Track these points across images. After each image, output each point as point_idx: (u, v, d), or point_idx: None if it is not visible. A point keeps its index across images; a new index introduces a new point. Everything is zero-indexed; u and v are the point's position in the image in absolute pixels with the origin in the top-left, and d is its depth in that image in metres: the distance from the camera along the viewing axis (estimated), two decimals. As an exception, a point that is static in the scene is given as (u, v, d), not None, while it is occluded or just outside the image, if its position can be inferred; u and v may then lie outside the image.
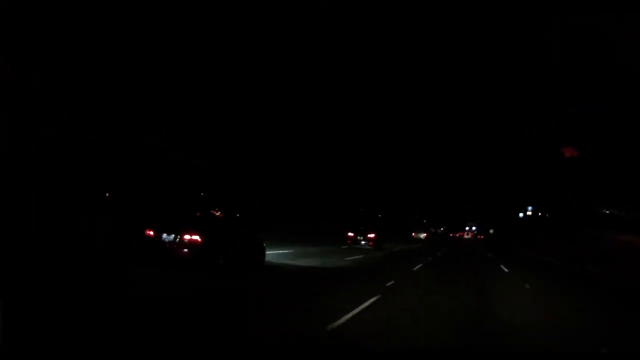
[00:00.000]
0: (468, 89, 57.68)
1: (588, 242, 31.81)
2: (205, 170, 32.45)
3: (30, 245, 10.85)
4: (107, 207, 21.46)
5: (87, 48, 19.30)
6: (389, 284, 11.86)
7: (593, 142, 32.97)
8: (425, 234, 73.18)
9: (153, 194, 25.78)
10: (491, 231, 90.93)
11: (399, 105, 62.90)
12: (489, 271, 19.39)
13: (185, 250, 11.04)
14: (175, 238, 11.15)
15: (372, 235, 29.87)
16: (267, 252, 14.38)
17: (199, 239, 11.14)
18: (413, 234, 69.73)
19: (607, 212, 38.68)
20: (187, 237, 11.10)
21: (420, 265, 19.46)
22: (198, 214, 14.31)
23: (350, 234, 30.24)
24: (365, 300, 8.57)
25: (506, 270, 20.05)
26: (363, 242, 29.36)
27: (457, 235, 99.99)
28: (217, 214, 27.05)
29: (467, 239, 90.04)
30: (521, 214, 67.18)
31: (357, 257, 21.28)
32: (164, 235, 11.23)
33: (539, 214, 62.23)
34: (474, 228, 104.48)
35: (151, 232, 11.37)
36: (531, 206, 66.23)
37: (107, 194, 24.56)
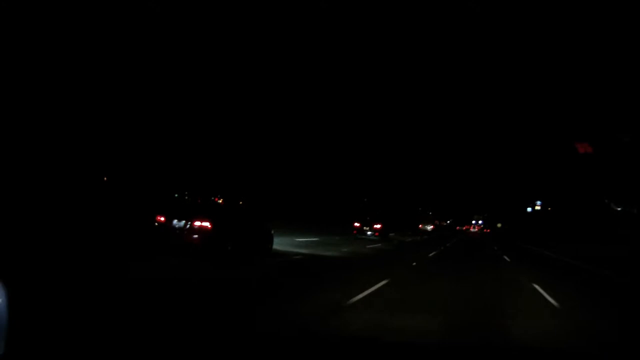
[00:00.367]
0: (477, 79, 57.47)
1: (612, 242, 28.56)
2: (215, 161, 33.00)
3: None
4: (110, 192, 21.98)
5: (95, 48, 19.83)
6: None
7: (605, 137, 32.73)
8: (432, 226, 73.56)
9: (164, 182, 26.38)
10: (499, 225, 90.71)
11: (407, 96, 62.84)
12: (509, 287, 12.31)
13: (195, 236, 11.43)
14: (185, 224, 11.53)
15: (378, 226, 30.16)
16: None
17: (209, 226, 11.51)
18: (420, 225, 70.04)
19: (619, 209, 37.40)
20: (197, 223, 11.48)
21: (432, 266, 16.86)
22: (208, 202, 14.69)
23: (356, 224, 30.55)
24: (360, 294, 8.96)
25: (544, 293, 10.44)
26: (369, 233, 29.65)
27: (464, 228, 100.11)
28: (219, 201, 27.65)
29: (474, 232, 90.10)
30: (529, 209, 66.71)
31: (358, 248, 21.43)
32: (175, 222, 11.62)
33: (549, 208, 61.33)
34: (480, 222, 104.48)
35: (162, 218, 11.76)
36: (540, 201, 65.60)
37: (105, 178, 25.16)
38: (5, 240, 9.50)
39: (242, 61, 30.91)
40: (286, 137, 40.95)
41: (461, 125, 70.60)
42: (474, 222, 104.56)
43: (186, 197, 30.77)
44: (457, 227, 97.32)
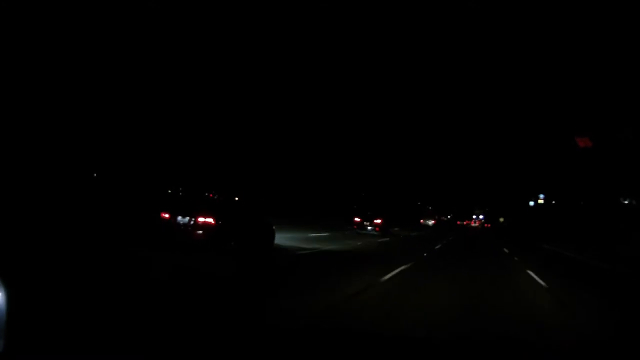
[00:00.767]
0: (477, 71, 57.80)
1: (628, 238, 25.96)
2: (209, 157, 33.37)
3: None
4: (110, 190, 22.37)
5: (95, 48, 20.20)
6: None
7: (611, 127, 32.51)
8: (433, 221, 74.09)
9: (158, 178, 26.74)
10: (501, 219, 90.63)
11: (406, 90, 63.14)
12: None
13: (199, 232, 11.86)
14: (189, 221, 11.96)
15: (378, 221, 30.42)
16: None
17: (213, 222, 11.95)
18: (422, 220, 70.61)
19: (626, 202, 36.30)
20: (201, 219, 11.92)
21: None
22: (211, 198, 15.11)
23: (357, 218, 30.88)
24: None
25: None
26: (369, 228, 29.90)
27: (465, 223, 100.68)
28: (215, 197, 28.05)
29: (475, 227, 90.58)
30: (532, 203, 66.47)
31: (359, 242, 21.86)
32: (179, 218, 12.06)
33: (553, 202, 60.72)
34: (481, 216, 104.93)
35: (166, 215, 12.19)
36: (543, 194, 65.10)
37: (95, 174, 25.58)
38: (9, 236, 9.88)
39: (241, 56, 31.28)
40: (283, 131, 41.33)
41: (461, 119, 70.95)
42: (474, 216, 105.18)
43: (180, 193, 31.16)
44: (458, 222, 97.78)
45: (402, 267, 12.38)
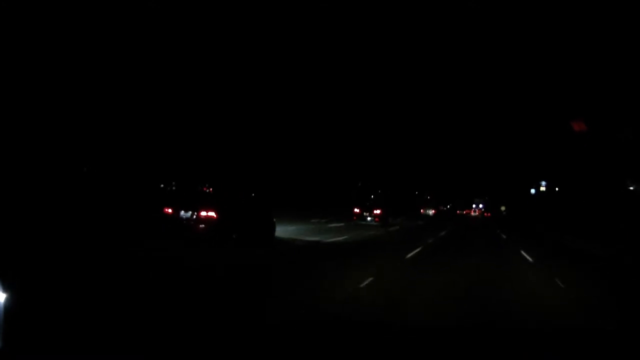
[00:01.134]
0: (474, 60, 58.01)
1: None
2: (202, 150, 33.81)
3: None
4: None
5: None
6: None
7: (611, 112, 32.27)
8: (434, 211, 74.61)
9: (160, 174, 27.16)
10: (503, 208, 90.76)
11: (404, 80, 63.35)
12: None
13: (202, 226, 12.37)
14: (192, 215, 12.46)
15: (378, 212, 30.88)
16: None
17: (215, 215, 12.45)
18: (422, 210, 71.19)
19: (632, 188, 34.35)
20: (203, 213, 12.42)
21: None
22: (213, 193, 15.59)
23: (356, 209, 31.35)
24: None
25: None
26: (369, 218, 30.37)
27: (465, 212, 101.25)
28: (208, 190, 28.54)
29: (475, 216, 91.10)
30: (533, 190, 66.25)
31: (358, 234, 22.29)
32: (182, 213, 12.55)
33: (556, 189, 57.55)
34: (480, 205, 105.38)
35: (169, 210, 12.68)
36: (545, 181, 64.39)
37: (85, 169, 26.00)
38: (11, 234, 10.29)
39: (240, 52, 31.54)
40: (280, 122, 41.60)
41: (458, 105, 71.01)
42: (474, 205, 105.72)
43: (173, 188, 31.60)
44: (458, 212, 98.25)
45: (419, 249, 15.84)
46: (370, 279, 9.00)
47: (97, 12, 19.91)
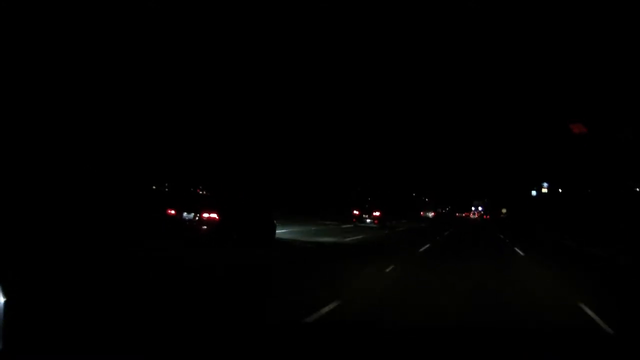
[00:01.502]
0: (474, 62, 58.42)
1: None
2: (195, 152, 34.22)
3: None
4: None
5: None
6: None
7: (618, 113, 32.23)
8: (433, 213, 75.17)
9: (163, 176, 27.52)
10: (504, 211, 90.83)
11: (403, 81, 63.71)
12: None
13: (204, 227, 12.82)
14: (194, 216, 12.91)
15: (377, 214, 31.27)
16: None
17: (217, 217, 12.90)
18: (422, 212, 71.77)
19: (638, 189, 34.25)
20: (205, 215, 12.87)
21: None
22: (215, 195, 16.03)
23: (355, 211, 31.77)
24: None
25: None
26: (368, 221, 30.75)
27: (464, 215, 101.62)
28: (202, 192, 28.96)
29: (474, 218, 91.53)
30: (534, 192, 66.02)
31: (358, 236, 22.54)
32: (185, 214, 13.01)
33: (559, 190, 56.41)
34: (480, 208, 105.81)
35: (172, 212, 13.14)
36: (547, 182, 63.85)
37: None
38: (12, 233, 10.49)
39: (235, 51, 31.97)
40: (278, 124, 41.94)
41: (458, 107, 71.21)
42: (473, 208, 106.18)
43: (166, 189, 31.98)
44: (457, 214, 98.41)
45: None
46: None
47: (96, 12, 20.31)
